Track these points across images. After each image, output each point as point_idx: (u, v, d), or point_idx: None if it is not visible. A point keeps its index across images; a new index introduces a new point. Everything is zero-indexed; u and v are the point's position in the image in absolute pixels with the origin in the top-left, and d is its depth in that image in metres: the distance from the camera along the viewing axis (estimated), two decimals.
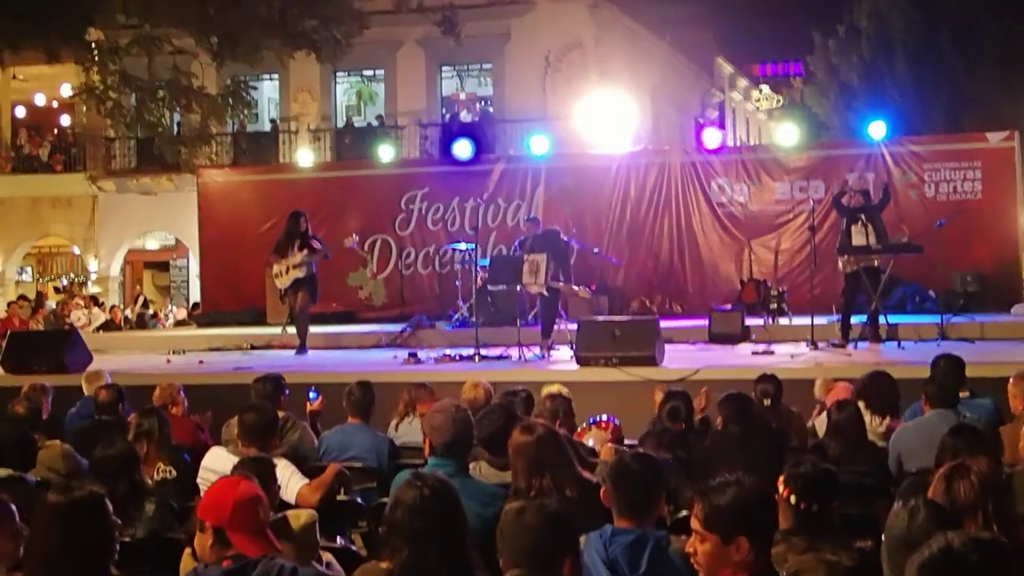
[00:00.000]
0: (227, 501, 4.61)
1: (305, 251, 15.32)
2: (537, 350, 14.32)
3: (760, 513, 4.12)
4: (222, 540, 4.53)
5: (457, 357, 13.95)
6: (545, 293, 14.53)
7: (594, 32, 31.30)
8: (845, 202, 14.84)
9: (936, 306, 15.87)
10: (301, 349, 15.49)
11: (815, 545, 4.57)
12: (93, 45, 22.09)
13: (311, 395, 9.39)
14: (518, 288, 14.62)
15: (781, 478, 4.66)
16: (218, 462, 6.94)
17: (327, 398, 9.56)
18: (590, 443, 8.04)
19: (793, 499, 4.58)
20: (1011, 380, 8.25)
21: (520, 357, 13.88)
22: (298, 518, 5.43)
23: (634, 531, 4.69)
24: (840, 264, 14.58)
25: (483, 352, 13.96)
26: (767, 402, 8.94)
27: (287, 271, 15.35)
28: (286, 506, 6.72)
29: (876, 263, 14.58)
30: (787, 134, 19.82)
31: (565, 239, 16.20)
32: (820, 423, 9.08)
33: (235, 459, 6.72)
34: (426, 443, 6.31)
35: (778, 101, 57.64)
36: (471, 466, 6.45)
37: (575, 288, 16.20)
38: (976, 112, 39.04)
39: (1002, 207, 18.35)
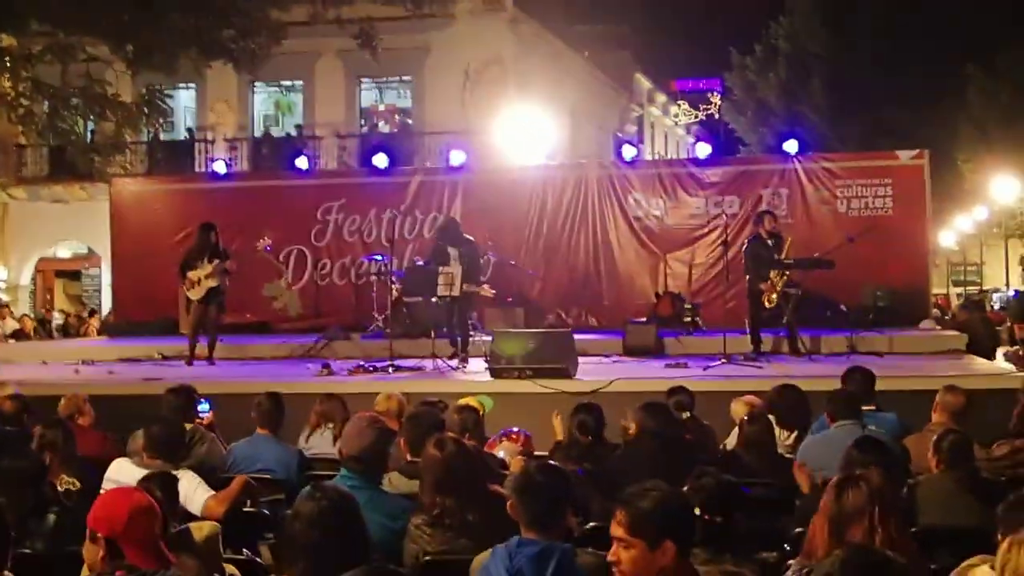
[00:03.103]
0: (121, 511, 4.49)
1: (216, 261, 15.26)
2: (454, 361, 14.28)
3: (684, 517, 4.17)
4: (115, 552, 4.41)
5: (371, 368, 13.87)
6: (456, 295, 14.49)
7: (514, 47, 31.42)
8: (764, 234, 15.03)
9: (846, 320, 16.07)
10: (211, 360, 15.47)
11: (718, 557, 4.61)
12: (4, 52, 21.67)
13: (202, 408, 9.24)
14: (432, 299, 14.63)
15: (684, 490, 4.69)
16: (122, 473, 6.86)
17: (239, 409, 9.47)
18: (501, 455, 8.05)
19: (696, 511, 4.60)
20: (940, 390, 8.37)
21: (434, 368, 13.85)
22: (201, 530, 5.38)
23: (540, 543, 4.65)
24: (764, 299, 14.72)
25: (397, 363, 13.91)
26: (686, 415, 9.00)
27: (199, 282, 15.27)
28: (192, 518, 6.65)
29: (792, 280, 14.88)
30: (703, 149, 19.98)
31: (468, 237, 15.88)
32: (733, 439, 9.16)
33: (140, 471, 6.65)
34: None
35: (696, 117, 58.20)
36: (384, 478, 6.44)
37: (483, 288, 16.18)
38: (888, 135, 39.79)
39: (912, 223, 18.62)
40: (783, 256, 14.91)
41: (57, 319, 30.40)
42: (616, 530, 4.15)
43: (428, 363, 14.06)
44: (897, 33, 44.95)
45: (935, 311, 23.09)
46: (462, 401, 8.55)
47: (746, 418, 8.19)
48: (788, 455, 8.19)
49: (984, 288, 46.67)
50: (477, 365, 13.83)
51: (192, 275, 15.38)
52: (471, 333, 15.33)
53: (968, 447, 6.84)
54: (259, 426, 8.42)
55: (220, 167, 22.34)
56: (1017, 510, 4.73)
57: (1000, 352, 17.54)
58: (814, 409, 8.79)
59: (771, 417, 8.74)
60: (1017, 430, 7.88)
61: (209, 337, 15.68)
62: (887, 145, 30.69)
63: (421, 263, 17.05)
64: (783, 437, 8.64)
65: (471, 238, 15.23)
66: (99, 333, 25.30)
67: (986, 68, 42.63)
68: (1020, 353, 19.51)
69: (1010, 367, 13.86)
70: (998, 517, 4.77)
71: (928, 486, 6.58)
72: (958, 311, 24.61)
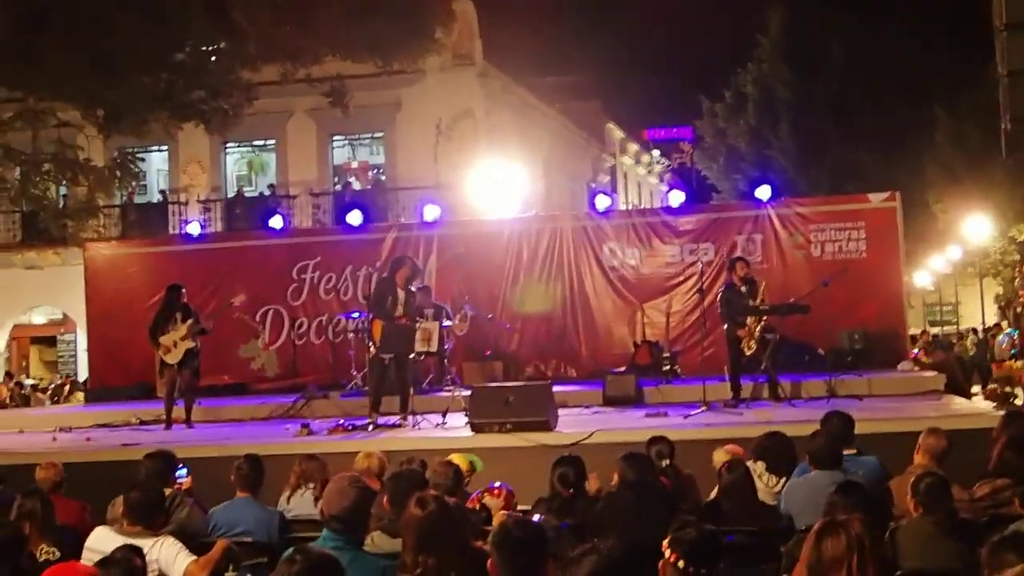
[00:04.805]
0: None
1: (190, 321, 15.20)
2: (439, 417, 14.08)
3: None
4: None
5: (350, 427, 13.81)
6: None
7: (484, 101, 31.58)
8: (737, 280, 15.08)
9: (824, 364, 16.10)
10: (189, 423, 15.42)
11: None
12: None
13: (179, 473, 9.17)
14: (411, 356, 14.59)
15: (666, 542, 4.66)
16: (102, 542, 6.80)
17: (218, 472, 9.41)
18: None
19: (680, 563, 4.58)
20: (923, 433, 8.37)
21: (414, 425, 13.79)
22: None
23: None
24: (743, 346, 14.76)
25: (377, 421, 13.85)
26: (664, 463, 9.00)
27: (175, 345, 15.19)
28: None
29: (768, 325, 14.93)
30: (676, 197, 20.06)
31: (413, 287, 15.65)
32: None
33: (120, 538, 6.61)
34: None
35: (668, 165, 58.49)
36: (367, 538, 6.41)
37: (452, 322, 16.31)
38: (858, 178, 40.09)
39: (886, 265, 18.71)
40: (758, 300, 14.94)
41: (29, 383, 30.18)
42: None
43: (408, 420, 14.00)
44: (863, 77, 45.43)
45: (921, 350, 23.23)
46: (450, 457, 8.53)
47: (725, 467, 8.18)
48: (774, 502, 8.20)
49: (961, 328, 46.88)
50: (457, 420, 13.76)
51: (165, 340, 15.29)
52: (449, 388, 15.37)
53: (945, 489, 6.84)
54: (239, 489, 8.38)
55: (194, 228, 22.33)
56: (1001, 551, 4.73)
57: None
58: (798, 454, 8.81)
59: (760, 464, 8.77)
60: (996, 470, 7.89)
61: (186, 400, 15.60)
62: (857, 188, 30.91)
63: (359, 315, 17.00)
64: (772, 483, 8.64)
65: (414, 288, 15.20)
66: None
67: (952, 110, 43.06)
68: (998, 391, 19.55)
69: (988, 406, 13.90)
70: (983, 558, 4.77)
71: (908, 530, 6.58)
72: (933, 351, 24.71)
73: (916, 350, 25.45)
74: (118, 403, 18.54)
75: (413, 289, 14.82)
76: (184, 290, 15.67)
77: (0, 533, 6.40)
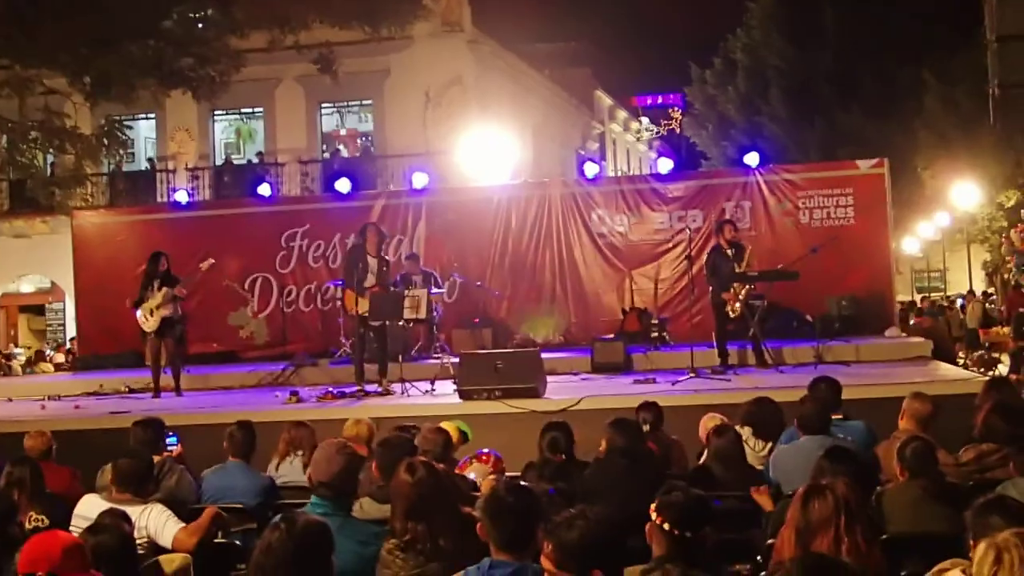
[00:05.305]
0: (54, 548, 4.68)
1: (165, 289, 15.11)
2: (428, 384, 14.20)
3: (610, 544, 4.17)
4: None
5: (339, 394, 13.83)
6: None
7: (474, 68, 31.48)
8: (724, 243, 15.12)
9: (812, 331, 16.13)
10: (178, 391, 15.39)
11: (690, 571, 4.61)
12: None
13: (170, 441, 9.17)
14: (400, 323, 14.64)
15: (654, 505, 4.69)
16: (91, 509, 6.80)
17: (208, 440, 9.43)
18: (472, 476, 8.04)
19: (667, 526, 4.61)
20: (907, 397, 8.39)
21: (403, 392, 13.82)
22: (171, 562, 5.37)
23: (512, 564, 4.64)
24: (728, 309, 14.83)
25: (366, 389, 13.88)
26: (646, 428, 9.03)
27: (151, 313, 15.12)
28: (162, 551, 6.63)
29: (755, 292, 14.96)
30: (665, 164, 20.04)
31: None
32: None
33: (108, 506, 6.62)
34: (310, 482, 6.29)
35: (657, 132, 58.35)
36: (355, 504, 6.43)
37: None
38: (848, 144, 39.98)
39: (874, 232, 18.71)
40: (744, 265, 14.97)
41: (18, 353, 30.20)
42: (545, 563, 4.18)
43: (396, 387, 14.03)
44: (853, 42, 45.32)
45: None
46: (440, 424, 8.54)
47: (714, 431, 8.22)
48: (761, 467, 8.23)
49: (949, 294, 46.91)
50: (446, 387, 13.78)
51: (143, 308, 15.22)
52: (438, 355, 15.33)
53: (931, 454, 6.86)
54: (231, 456, 8.39)
55: (182, 196, 22.27)
56: (987, 513, 4.76)
57: None
58: (786, 419, 8.84)
59: (748, 429, 8.81)
60: (982, 435, 7.92)
61: (173, 368, 15.56)
62: (847, 154, 30.91)
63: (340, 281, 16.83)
64: (759, 448, 8.68)
65: (389, 257, 15.17)
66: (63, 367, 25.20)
67: (942, 75, 42.94)
68: (986, 357, 19.66)
69: (973, 372, 13.98)
70: (968, 521, 4.80)
71: (894, 494, 6.61)
72: (923, 317, 24.80)
73: (914, 317, 25.56)
74: (107, 371, 18.53)
75: (388, 258, 14.79)
76: (164, 258, 15.50)
77: None
